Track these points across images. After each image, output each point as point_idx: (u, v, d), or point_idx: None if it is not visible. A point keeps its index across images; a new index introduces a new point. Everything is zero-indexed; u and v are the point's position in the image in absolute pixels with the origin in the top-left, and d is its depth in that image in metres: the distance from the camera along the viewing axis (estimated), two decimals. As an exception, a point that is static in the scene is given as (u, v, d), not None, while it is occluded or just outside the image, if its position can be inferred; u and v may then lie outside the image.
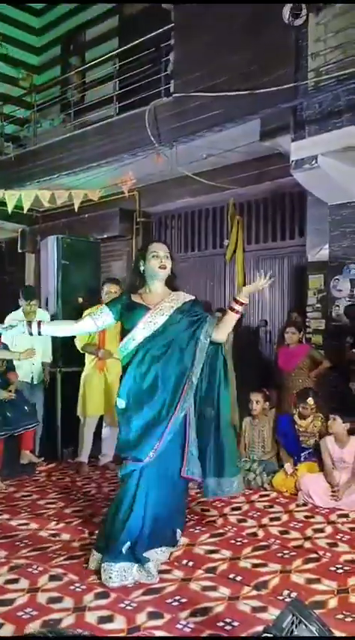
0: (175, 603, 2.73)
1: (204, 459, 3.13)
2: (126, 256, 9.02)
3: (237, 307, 3.07)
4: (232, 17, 6.14)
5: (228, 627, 2.52)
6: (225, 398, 3.16)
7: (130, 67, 7.54)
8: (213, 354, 3.11)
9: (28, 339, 5.27)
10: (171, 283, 3.16)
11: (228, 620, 2.56)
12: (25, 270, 10.42)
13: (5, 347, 5.13)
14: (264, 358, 7.47)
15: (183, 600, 2.75)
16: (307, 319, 6.51)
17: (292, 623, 2.03)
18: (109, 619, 2.59)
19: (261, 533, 3.66)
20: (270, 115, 5.79)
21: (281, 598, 2.76)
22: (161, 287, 3.12)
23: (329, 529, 3.75)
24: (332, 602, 2.74)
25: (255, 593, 2.83)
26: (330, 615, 2.60)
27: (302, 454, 4.73)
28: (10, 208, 6.70)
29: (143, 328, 3.00)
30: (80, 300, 5.89)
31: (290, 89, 5.58)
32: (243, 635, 2.45)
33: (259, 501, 4.31)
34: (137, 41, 7.30)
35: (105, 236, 8.60)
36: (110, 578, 2.86)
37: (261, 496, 4.42)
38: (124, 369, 3.08)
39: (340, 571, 3.09)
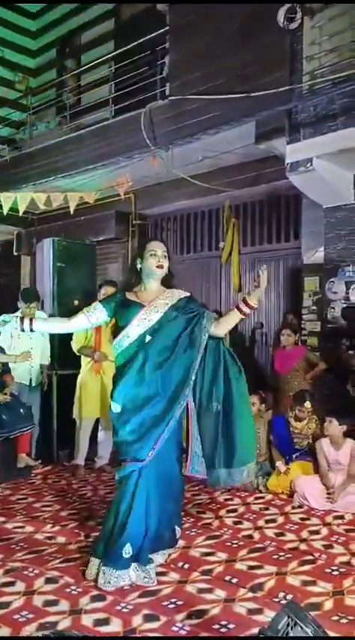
0: (171, 605, 2.73)
1: (214, 450, 3.06)
2: (122, 259, 9.03)
3: (246, 309, 3.04)
4: (227, 20, 6.16)
5: (223, 629, 2.52)
6: (238, 388, 3.07)
7: (126, 69, 7.55)
8: (214, 347, 3.08)
9: (27, 342, 5.28)
10: (168, 282, 3.14)
11: (223, 623, 2.57)
12: (21, 272, 10.41)
13: (1, 350, 5.13)
14: (259, 360, 7.49)
15: (179, 602, 2.75)
16: (302, 321, 6.53)
17: (287, 625, 2.04)
18: (105, 622, 2.59)
19: (256, 536, 3.66)
20: (266, 118, 5.82)
21: (276, 600, 2.77)
22: (157, 285, 3.11)
23: (324, 531, 3.76)
24: (328, 604, 2.75)
25: (250, 595, 2.83)
26: (326, 617, 2.60)
27: (294, 455, 4.75)
28: (5, 210, 6.70)
29: (137, 325, 2.98)
30: (76, 302, 5.88)
31: (286, 92, 5.60)
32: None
33: (255, 503, 4.31)
34: (133, 44, 7.31)
35: (100, 238, 8.61)
36: (108, 582, 2.85)
37: (257, 498, 4.42)
38: (119, 369, 3.05)
39: (335, 573, 3.10)
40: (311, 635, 1.99)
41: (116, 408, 2.98)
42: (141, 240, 8.71)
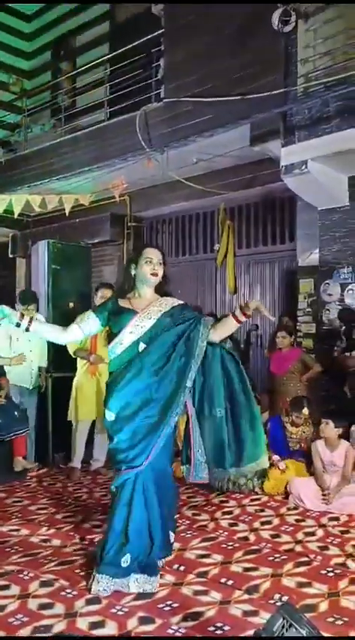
0: (167, 608, 2.72)
1: (223, 453, 3.03)
2: (117, 261, 9.02)
3: (242, 318, 2.97)
4: (222, 23, 6.19)
5: (219, 632, 2.52)
6: (241, 390, 3.05)
7: (121, 72, 7.56)
8: (212, 352, 3.04)
9: (26, 344, 5.28)
10: (162, 289, 3.11)
11: (219, 625, 2.56)
12: (16, 275, 10.39)
13: None
14: (254, 362, 7.49)
15: (175, 605, 2.75)
16: (298, 323, 6.54)
17: (283, 626, 2.04)
18: (100, 624, 2.58)
19: (252, 537, 3.66)
20: (260, 121, 5.84)
21: (272, 602, 2.77)
22: (150, 292, 3.08)
23: (320, 532, 3.76)
24: (323, 606, 2.75)
25: (246, 597, 2.83)
26: (321, 618, 2.60)
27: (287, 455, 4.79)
28: (0, 213, 6.68)
29: (130, 332, 2.96)
30: (71, 305, 5.88)
31: (280, 95, 5.62)
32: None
33: (250, 505, 4.31)
34: (128, 46, 7.32)
35: (96, 241, 8.61)
36: (104, 590, 2.83)
37: (252, 500, 4.42)
38: (112, 377, 3.01)
39: (331, 574, 3.10)
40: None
41: (110, 416, 2.95)
42: (137, 242, 8.74)
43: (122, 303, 3.06)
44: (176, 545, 3.39)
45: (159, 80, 7.08)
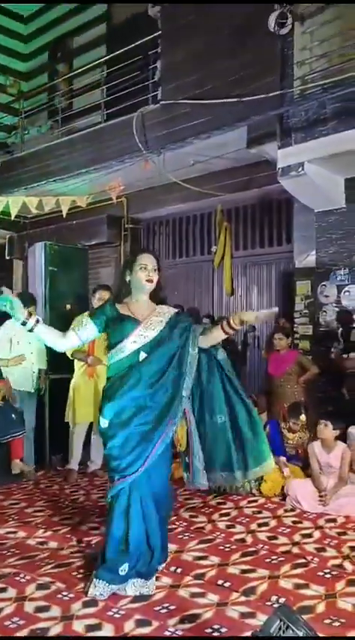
0: (163, 610, 2.72)
1: (229, 458, 3.03)
2: (114, 263, 9.02)
3: (229, 330, 2.95)
4: (219, 25, 6.20)
5: (216, 634, 2.52)
6: (236, 398, 3.04)
7: (118, 73, 7.56)
8: (207, 360, 3.04)
9: (26, 347, 5.27)
10: (157, 295, 3.08)
11: (216, 627, 2.56)
12: (13, 276, 10.38)
13: None
14: (252, 364, 7.50)
15: (172, 607, 2.74)
16: (295, 325, 6.55)
17: (279, 628, 2.04)
18: (97, 627, 2.57)
19: (249, 539, 3.66)
20: (257, 123, 5.85)
21: (269, 604, 2.76)
22: (146, 298, 3.05)
23: (317, 534, 3.77)
24: (320, 607, 2.75)
25: (243, 599, 2.83)
26: (318, 620, 2.61)
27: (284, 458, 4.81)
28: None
29: (134, 342, 2.93)
30: (68, 306, 5.87)
31: (277, 97, 5.63)
32: None
33: (247, 507, 4.31)
34: (125, 48, 7.33)
35: (93, 242, 8.59)
36: (101, 594, 2.82)
37: (250, 502, 4.42)
38: (109, 383, 2.99)
39: (328, 576, 3.10)
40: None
41: (104, 422, 2.93)
42: (134, 244, 8.74)
43: (121, 309, 3.02)
44: (173, 547, 3.39)
45: (156, 82, 7.09)
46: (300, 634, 2.00)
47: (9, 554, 3.41)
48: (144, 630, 2.54)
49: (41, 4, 10.60)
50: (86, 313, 3.57)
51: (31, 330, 2.94)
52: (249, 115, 5.80)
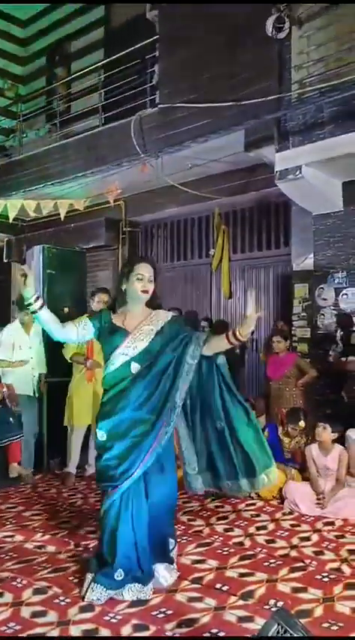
0: (161, 615, 2.71)
1: (232, 464, 3.01)
2: (112, 266, 9.02)
3: (234, 341, 2.93)
4: (217, 29, 6.22)
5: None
6: (233, 405, 3.02)
7: (116, 77, 7.58)
8: (206, 366, 3.02)
9: (27, 352, 5.27)
10: (153, 303, 3.07)
11: (214, 631, 2.55)
12: (11, 279, 10.37)
13: None
14: (249, 367, 7.50)
15: (169, 612, 2.73)
16: (292, 328, 6.55)
17: (277, 632, 2.03)
18: (94, 632, 2.56)
19: (247, 543, 3.66)
20: (255, 126, 5.86)
21: (267, 607, 2.75)
22: (142, 307, 3.03)
23: (315, 537, 3.76)
24: (318, 611, 2.74)
25: (241, 602, 2.82)
26: (316, 624, 2.60)
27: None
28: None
29: (123, 354, 2.92)
30: (66, 309, 5.87)
31: (274, 101, 5.65)
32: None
33: (246, 510, 4.31)
34: (123, 52, 7.34)
35: (91, 246, 8.60)
36: (98, 599, 2.81)
37: (248, 505, 4.42)
38: (105, 397, 2.98)
39: (326, 579, 3.09)
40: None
41: (102, 436, 2.92)
42: (132, 247, 8.74)
43: (115, 320, 3.01)
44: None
45: (154, 86, 7.11)
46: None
47: (6, 558, 3.40)
48: (141, 635, 2.53)
49: (40, 5, 10.59)
50: (85, 315, 3.57)
51: (34, 312, 2.91)
52: (247, 119, 5.82)
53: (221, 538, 3.72)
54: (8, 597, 2.88)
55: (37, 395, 5.45)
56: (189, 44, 6.46)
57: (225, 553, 3.46)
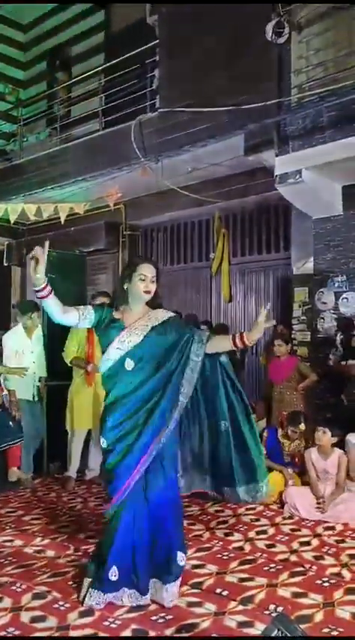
0: (160, 620, 2.70)
1: (230, 469, 3.01)
2: (112, 269, 9.03)
3: (240, 345, 2.93)
4: (216, 34, 6.23)
5: (213, 643, 2.50)
6: (238, 406, 3.03)
7: (116, 82, 7.59)
8: (210, 364, 3.01)
9: (29, 357, 5.25)
10: (153, 302, 3.06)
11: (214, 636, 2.55)
12: (11, 283, 10.38)
13: None
14: (249, 370, 7.49)
15: (169, 617, 2.73)
16: (292, 331, 6.55)
17: (277, 637, 2.03)
18: (94, 637, 2.55)
19: (247, 547, 3.65)
20: (254, 130, 5.87)
21: (267, 612, 2.75)
22: (142, 306, 3.03)
23: (315, 542, 3.76)
24: (318, 616, 2.74)
25: (241, 607, 2.81)
26: (316, 629, 2.59)
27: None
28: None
29: (117, 348, 2.92)
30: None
31: (274, 105, 5.66)
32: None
33: (245, 514, 4.30)
34: (123, 57, 7.36)
35: (91, 249, 8.61)
36: (97, 604, 2.80)
37: (248, 509, 4.40)
38: (108, 402, 2.95)
39: (326, 584, 3.09)
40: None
41: (103, 442, 2.92)
42: (132, 250, 8.75)
43: (115, 314, 3.02)
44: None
45: (154, 90, 7.12)
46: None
47: (6, 562, 3.39)
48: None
49: (40, 9, 10.62)
50: (89, 305, 3.47)
51: (42, 298, 2.87)
52: (247, 123, 5.83)
53: (221, 542, 3.72)
54: (7, 602, 2.87)
55: (37, 399, 5.44)
56: (189, 49, 6.48)
57: (224, 558, 3.46)
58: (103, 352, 2.99)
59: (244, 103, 5.72)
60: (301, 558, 3.47)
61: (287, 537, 3.84)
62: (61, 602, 2.87)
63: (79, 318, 2.97)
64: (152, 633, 2.57)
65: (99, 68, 8.33)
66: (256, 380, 7.36)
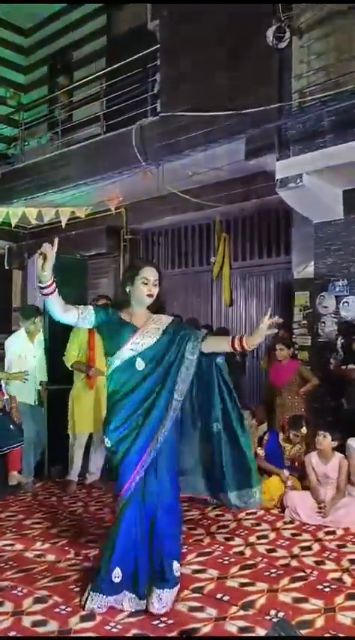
0: (162, 625, 2.70)
1: (221, 473, 3.01)
2: (113, 273, 9.04)
3: (238, 348, 2.94)
4: (217, 39, 6.26)
5: (214, 648, 2.50)
6: (232, 409, 3.03)
7: (117, 86, 7.62)
8: (207, 368, 3.02)
9: (31, 362, 5.26)
10: (154, 306, 3.07)
11: (213, 637, 2.54)
12: (12, 286, 10.39)
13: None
14: (250, 374, 7.49)
15: (170, 622, 2.72)
16: (293, 336, 6.55)
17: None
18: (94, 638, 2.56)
19: (248, 552, 3.64)
20: (255, 135, 5.89)
21: (268, 618, 2.75)
22: (144, 310, 3.05)
23: (316, 547, 3.75)
24: (319, 622, 2.73)
25: (242, 613, 2.81)
26: (317, 635, 2.59)
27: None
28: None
29: (130, 349, 2.93)
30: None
31: (275, 109, 5.68)
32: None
33: (246, 519, 4.29)
34: (124, 61, 7.39)
35: (92, 253, 8.63)
36: (99, 607, 2.81)
37: (248, 514, 4.40)
38: (111, 400, 2.96)
39: (327, 590, 3.08)
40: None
41: (107, 442, 2.92)
42: (133, 254, 8.76)
43: (123, 315, 3.02)
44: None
45: (155, 95, 7.14)
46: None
47: (6, 567, 3.39)
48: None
49: (42, 13, 10.64)
50: (91, 305, 3.46)
51: (46, 295, 2.87)
52: (248, 128, 5.84)
53: (221, 547, 3.71)
54: (9, 606, 2.87)
55: (37, 403, 5.43)
56: (189, 53, 6.50)
57: (225, 562, 3.45)
58: (111, 352, 2.96)
59: (245, 107, 5.74)
60: (302, 563, 3.46)
61: (288, 542, 3.83)
62: (62, 607, 2.86)
63: (78, 317, 2.95)
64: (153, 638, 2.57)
65: (101, 73, 8.37)
66: (257, 384, 7.36)
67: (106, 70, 8.22)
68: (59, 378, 5.47)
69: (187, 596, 2.99)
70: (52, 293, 2.84)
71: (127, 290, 3.02)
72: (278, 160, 5.79)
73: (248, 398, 6.88)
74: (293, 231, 6.83)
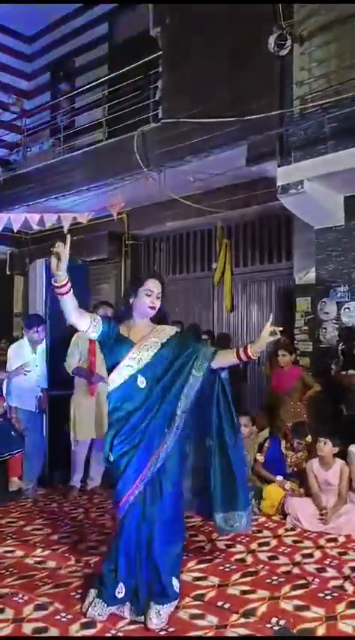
0: (162, 632, 2.69)
1: (210, 492, 3.01)
2: (114, 279, 9.06)
3: (244, 358, 2.95)
4: (219, 46, 6.29)
5: (215, 657, 2.49)
6: (227, 427, 3.03)
7: (119, 92, 7.66)
8: (210, 382, 3.01)
9: (33, 368, 5.24)
10: (157, 318, 3.06)
11: (210, 636, 2.53)
12: (14, 292, 10.41)
13: None
14: (251, 380, 7.48)
15: (171, 629, 2.71)
16: (295, 342, 6.55)
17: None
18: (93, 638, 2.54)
19: (249, 559, 3.63)
20: (257, 141, 5.91)
21: (269, 626, 2.73)
22: (146, 322, 3.03)
23: (317, 554, 3.73)
24: (321, 630, 2.72)
25: (243, 620, 2.80)
26: (319, 643, 2.57)
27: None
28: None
29: (128, 365, 2.90)
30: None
31: (276, 116, 5.70)
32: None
33: (248, 526, 4.27)
34: (126, 68, 7.43)
35: (93, 259, 8.62)
36: (100, 615, 2.80)
37: (250, 520, 4.38)
38: (112, 417, 2.93)
39: (328, 597, 3.07)
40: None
41: (110, 457, 2.89)
42: (134, 260, 8.78)
43: (121, 330, 2.99)
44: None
45: (157, 101, 7.17)
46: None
47: (7, 573, 3.38)
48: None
49: (44, 17, 10.68)
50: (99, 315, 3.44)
51: (60, 295, 2.86)
52: (249, 134, 5.87)
53: (223, 554, 3.70)
54: (9, 613, 2.86)
55: (38, 411, 5.43)
56: (191, 60, 6.53)
57: (226, 570, 3.44)
58: (110, 368, 2.95)
59: (246, 114, 5.76)
60: (303, 571, 3.45)
61: (289, 549, 3.82)
62: (62, 614, 2.86)
63: (89, 326, 2.93)
64: (154, 646, 2.56)
65: (103, 79, 8.40)
66: (259, 390, 7.35)
67: (108, 77, 8.26)
68: (60, 384, 5.46)
69: (188, 603, 2.97)
70: (67, 293, 2.84)
71: (130, 301, 3.01)
72: (279, 166, 5.81)
73: (249, 404, 6.87)
74: (294, 237, 6.84)
